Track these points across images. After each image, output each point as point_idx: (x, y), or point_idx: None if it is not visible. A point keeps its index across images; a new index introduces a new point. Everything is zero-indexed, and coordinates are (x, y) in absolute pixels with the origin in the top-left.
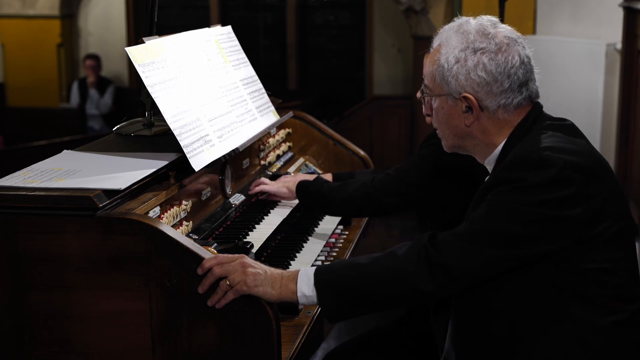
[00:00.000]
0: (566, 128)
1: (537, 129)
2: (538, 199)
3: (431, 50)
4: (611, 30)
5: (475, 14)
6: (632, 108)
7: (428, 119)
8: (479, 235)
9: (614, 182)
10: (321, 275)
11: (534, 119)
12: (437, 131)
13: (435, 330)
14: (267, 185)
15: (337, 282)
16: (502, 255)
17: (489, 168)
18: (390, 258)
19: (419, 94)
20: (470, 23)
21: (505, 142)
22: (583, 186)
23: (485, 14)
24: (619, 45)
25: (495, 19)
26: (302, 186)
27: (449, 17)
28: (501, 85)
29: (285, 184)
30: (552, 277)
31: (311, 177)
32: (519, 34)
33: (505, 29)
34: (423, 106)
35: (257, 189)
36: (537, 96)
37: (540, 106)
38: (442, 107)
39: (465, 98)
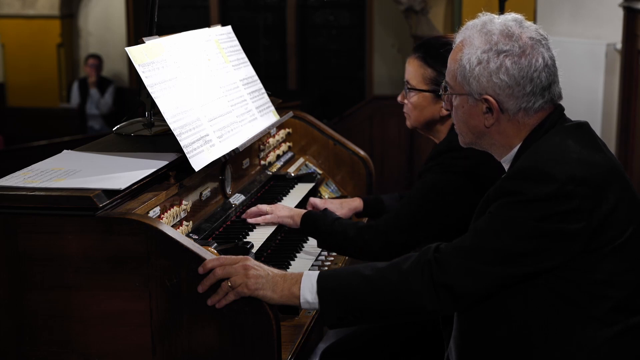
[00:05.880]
0: (579, 132)
1: (550, 134)
2: (539, 214)
3: (453, 46)
4: (611, 30)
5: (475, 13)
6: (632, 108)
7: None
8: (483, 253)
9: (625, 187)
10: (324, 283)
11: (552, 123)
12: (454, 126)
13: (442, 327)
14: (270, 216)
15: (339, 292)
16: (506, 273)
17: (505, 167)
18: (395, 272)
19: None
20: (495, 22)
21: (521, 145)
22: (586, 199)
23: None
24: (619, 45)
25: (520, 17)
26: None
27: (449, 17)
28: (523, 89)
29: (291, 215)
30: (554, 287)
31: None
32: (544, 33)
33: (530, 30)
34: (443, 102)
35: (260, 219)
36: (560, 98)
37: (561, 109)
38: (462, 106)
39: (486, 100)
